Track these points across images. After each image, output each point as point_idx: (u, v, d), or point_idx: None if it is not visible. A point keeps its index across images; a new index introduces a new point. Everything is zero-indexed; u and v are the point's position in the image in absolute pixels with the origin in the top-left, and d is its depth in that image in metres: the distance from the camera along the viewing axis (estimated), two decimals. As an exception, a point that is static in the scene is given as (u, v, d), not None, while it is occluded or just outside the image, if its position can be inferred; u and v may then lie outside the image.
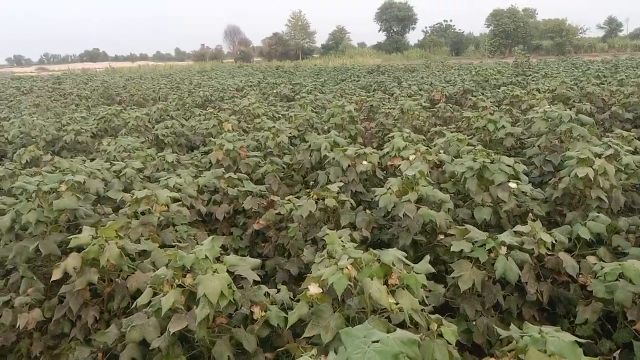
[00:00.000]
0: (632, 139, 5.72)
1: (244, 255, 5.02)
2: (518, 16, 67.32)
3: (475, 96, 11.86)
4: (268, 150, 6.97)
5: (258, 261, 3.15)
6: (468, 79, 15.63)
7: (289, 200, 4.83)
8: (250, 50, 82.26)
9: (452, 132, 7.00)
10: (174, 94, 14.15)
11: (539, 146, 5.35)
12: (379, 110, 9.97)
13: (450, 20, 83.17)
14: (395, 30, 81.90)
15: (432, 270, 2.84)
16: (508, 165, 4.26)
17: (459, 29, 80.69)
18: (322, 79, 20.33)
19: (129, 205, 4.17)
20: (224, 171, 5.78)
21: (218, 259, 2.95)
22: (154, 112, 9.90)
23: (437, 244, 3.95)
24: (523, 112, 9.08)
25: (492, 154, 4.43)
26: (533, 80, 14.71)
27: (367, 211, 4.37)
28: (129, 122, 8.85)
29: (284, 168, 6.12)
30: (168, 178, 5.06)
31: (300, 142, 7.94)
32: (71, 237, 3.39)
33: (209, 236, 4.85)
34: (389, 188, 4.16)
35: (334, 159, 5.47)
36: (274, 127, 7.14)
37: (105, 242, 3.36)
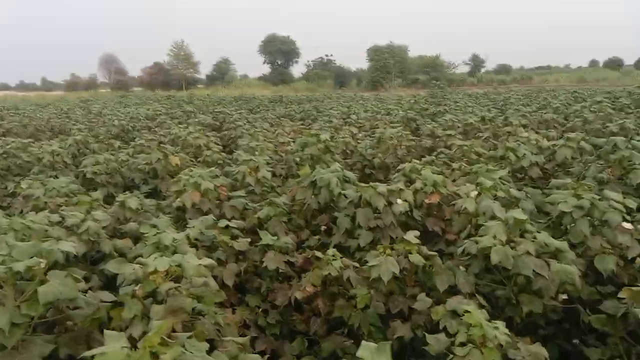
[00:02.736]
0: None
1: (275, 335, 3.76)
2: (396, 51, 71.03)
3: (419, 125, 11.45)
4: (249, 189, 5.70)
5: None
6: (392, 108, 15.34)
7: (333, 255, 3.67)
8: (129, 79, 77.84)
9: (452, 163, 6.33)
10: (76, 125, 12.13)
11: (593, 178, 4.74)
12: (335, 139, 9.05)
13: (331, 55, 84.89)
14: (279, 63, 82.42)
15: None
16: (617, 202, 3.51)
17: (340, 63, 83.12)
18: (232, 108, 19.02)
19: (141, 283, 2.76)
20: (214, 219, 4.45)
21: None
22: (69, 145, 8.04)
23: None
24: (484, 140, 8.67)
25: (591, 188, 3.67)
26: (457, 110, 14.74)
27: (462, 268, 3.35)
28: (42, 157, 7.01)
29: (287, 212, 4.90)
30: (159, 233, 3.65)
31: (272, 177, 6.73)
32: (88, 352, 1.98)
33: (233, 313, 3.55)
34: (494, 237, 3.19)
35: (361, 198, 4.41)
36: (251, 159, 5.88)
37: (152, 359, 2.00)
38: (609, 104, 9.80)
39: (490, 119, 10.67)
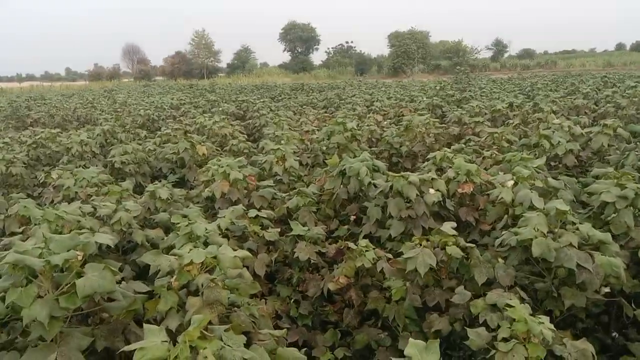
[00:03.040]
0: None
1: (306, 326, 3.73)
2: (418, 37, 70.07)
3: (445, 112, 11.28)
4: (277, 178, 5.66)
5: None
6: (416, 95, 15.14)
7: (365, 246, 3.61)
8: (151, 69, 78.41)
9: (482, 151, 6.21)
10: (102, 115, 12.26)
11: (632, 166, 4.58)
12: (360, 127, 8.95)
13: (351, 42, 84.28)
14: (299, 50, 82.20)
15: None
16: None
17: (360, 50, 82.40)
18: (254, 96, 19.01)
19: (176, 275, 2.74)
20: (244, 208, 4.42)
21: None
22: (97, 135, 8.10)
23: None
24: (515, 127, 8.48)
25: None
26: (483, 96, 14.48)
27: (500, 260, 3.26)
28: (71, 147, 7.07)
29: (316, 201, 4.85)
30: (191, 223, 3.64)
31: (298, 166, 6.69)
32: (128, 346, 1.96)
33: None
34: (535, 228, 3.09)
35: (391, 188, 4.33)
36: (278, 149, 5.84)
37: (191, 353, 1.98)
38: (643, 89, 9.51)
39: (518, 105, 10.46)
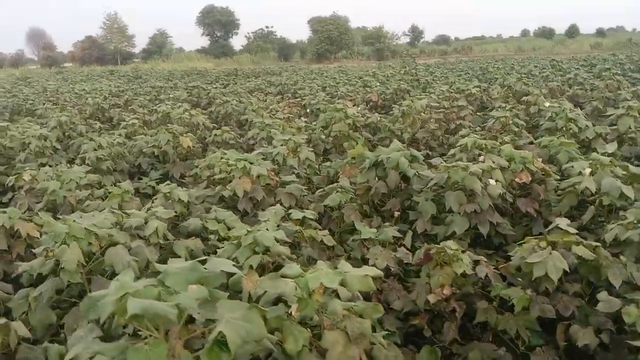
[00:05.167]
0: None
1: (395, 344, 3.24)
2: (340, 22, 70.01)
3: (412, 96, 11.05)
4: (294, 172, 5.07)
5: None
6: (368, 79, 14.85)
7: (457, 249, 3.17)
8: (58, 54, 72.76)
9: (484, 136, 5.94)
10: (35, 106, 10.93)
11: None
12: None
13: (272, 27, 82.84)
14: (218, 35, 79.64)
15: None
16: None
17: (281, 35, 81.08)
18: (196, 82, 17.89)
19: (297, 303, 2.16)
20: (285, 209, 3.84)
21: None
22: (53, 127, 7.03)
23: None
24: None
25: None
26: (437, 80, 14.46)
27: (622, 258, 2.93)
28: (29, 143, 6.04)
29: (352, 197, 4.33)
30: (250, 232, 3.04)
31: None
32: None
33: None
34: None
35: (450, 179, 3.92)
36: (290, 139, 5.24)
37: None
38: (618, 72, 9.77)
39: (485, 89, 10.45)
